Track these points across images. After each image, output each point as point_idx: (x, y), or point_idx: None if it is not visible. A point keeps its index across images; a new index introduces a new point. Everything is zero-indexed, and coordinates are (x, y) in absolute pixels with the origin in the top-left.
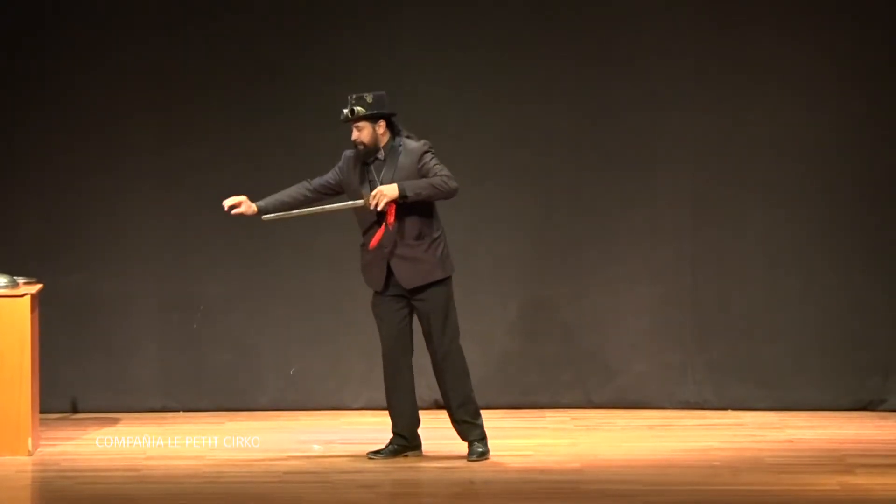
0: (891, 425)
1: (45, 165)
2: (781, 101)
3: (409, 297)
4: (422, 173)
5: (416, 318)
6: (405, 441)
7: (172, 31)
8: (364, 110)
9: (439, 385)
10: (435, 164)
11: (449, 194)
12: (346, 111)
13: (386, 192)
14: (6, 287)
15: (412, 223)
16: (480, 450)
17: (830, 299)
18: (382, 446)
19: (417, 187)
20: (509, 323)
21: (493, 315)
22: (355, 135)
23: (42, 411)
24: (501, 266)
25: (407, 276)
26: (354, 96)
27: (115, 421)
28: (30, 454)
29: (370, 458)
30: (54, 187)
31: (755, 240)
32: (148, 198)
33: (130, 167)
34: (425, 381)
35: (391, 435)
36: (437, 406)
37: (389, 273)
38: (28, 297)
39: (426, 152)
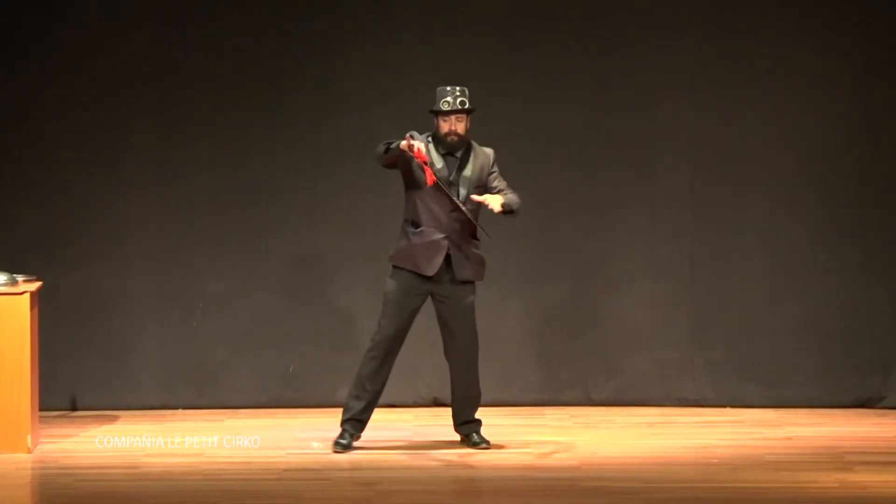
0: (889, 422)
1: (44, 163)
2: (781, 101)
3: (446, 289)
4: (490, 180)
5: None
6: (360, 428)
7: (172, 30)
8: (469, 103)
9: (458, 378)
10: (501, 180)
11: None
12: (452, 100)
13: (498, 202)
14: (6, 285)
15: (472, 224)
16: (484, 440)
17: (829, 297)
18: (340, 438)
19: (517, 205)
20: (509, 321)
21: (493, 313)
22: (453, 126)
23: (41, 409)
24: (501, 264)
25: (466, 269)
26: (458, 88)
27: (115, 418)
28: (29, 451)
29: (336, 452)
30: (54, 185)
31: (754, 238)
32: (147, 196)
33: (130, 166)
34: (424, 380)
35: (348, 421)
36: (435, 404)
37: (446, 263)
38: (27, 295)
39: (496, 161)
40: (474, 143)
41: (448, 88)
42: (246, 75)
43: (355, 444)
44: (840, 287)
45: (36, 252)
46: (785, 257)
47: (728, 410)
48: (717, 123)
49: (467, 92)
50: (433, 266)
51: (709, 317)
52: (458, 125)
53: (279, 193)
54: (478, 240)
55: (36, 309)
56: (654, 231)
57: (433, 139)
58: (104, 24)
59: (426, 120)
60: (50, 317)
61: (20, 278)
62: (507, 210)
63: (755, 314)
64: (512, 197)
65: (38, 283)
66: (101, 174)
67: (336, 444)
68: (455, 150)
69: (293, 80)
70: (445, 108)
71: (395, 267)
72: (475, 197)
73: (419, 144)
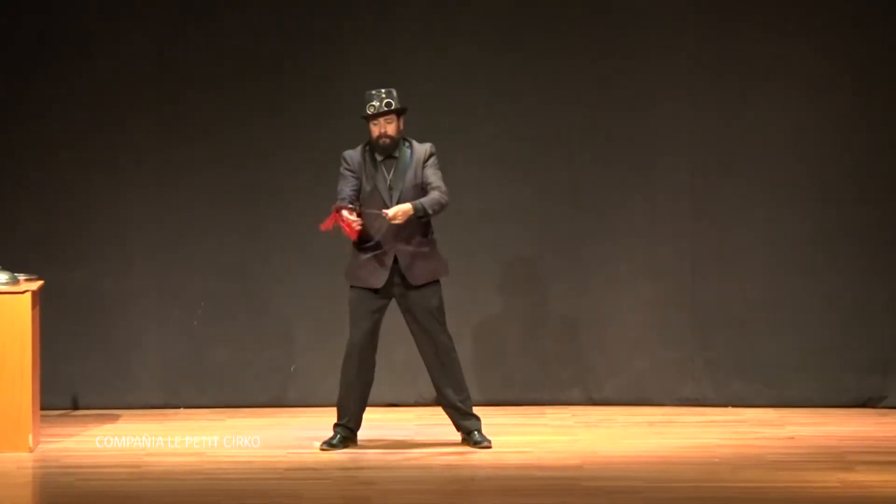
0: (890, 422)
1: (46, 163)
2: (781, 100)
3: (404, 294)
4: (423, 174)
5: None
6: (350, 433)
7: (172, 30)
8: (395, 104)
9: (438, 380)
10: (435, 172)
11: (444, 209)
12: (378, 104)
13: (407, 211)
14: (7, 284)
15: (422, 222)
16: (486, 439)
17: (830, 296)
18: (331, 438)
19: (431, 206)
20: (510, 320)
21: (494, 312)
22: (382, 129)
23: (43, 408)
24: (502, 263)
25: (417, 273)
26: (383, 90)
27: (116, 418)
28: (30, 451)
29: (323, 450)
30: (55, 184)
31: (755, 237)
32: (149, 195)
33: (131, 165)
34: (424, 380)
35: (338, 426)
36: (436, 403)
37: (393, 271)
38: (29, 294)
39: (433, 154)
40: (412, 141)
41: (374, 92)
42: (246, 75)
43: (353, 445)
44: (840, 286)
45: (36, 251)
46: (785, 257)
47: (729, 410)
48: (717, 123)
49: (394, 93)
50: (381, 278)
51: (709, 317)
52: (387, 127)
53: (279, 193)
54: (430, 238)
55: (37, 308)
56: (654, 231)
57: (369, 146)
58: (104, 24)
59: (426, 118)
60: (51, 316)
61: (22, 277)
62: (419, 215)
63: (755, 314)
64: (433, 196)
65: (40, 282)
66: (101, 174)
67: (324, 442)
68: (390, 152)
69: (293, 80)
70: (371, 111)
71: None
72: (386, 212)
73: (343, 220)
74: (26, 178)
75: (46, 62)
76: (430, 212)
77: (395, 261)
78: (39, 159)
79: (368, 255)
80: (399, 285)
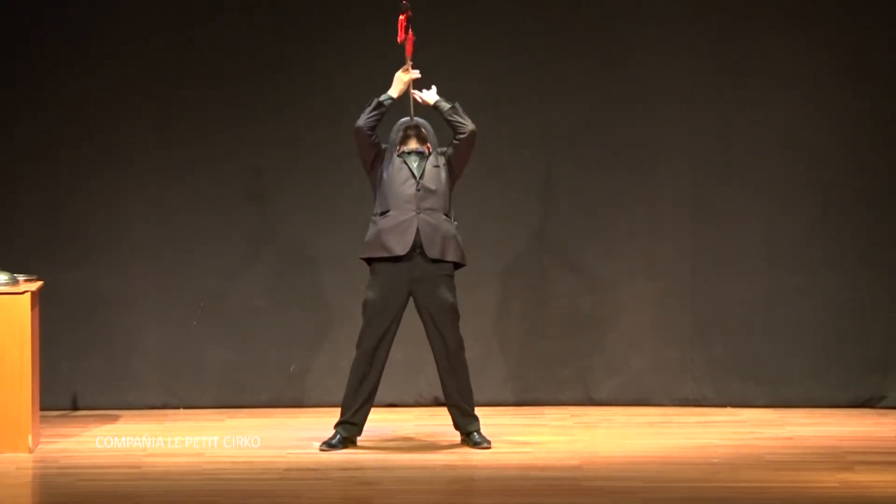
0: (890, 422)
1: (46, 162)
2: (781, 100)
3: (421, 282)
4: (447, 151)
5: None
6: (353, 430)
7: (173, 29)
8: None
9: (446, 379)
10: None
11: (472, 134)
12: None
13: (432, 95)
14: (7, 284)
15: (443, 201)
16: (486, 439)
17: (829, 296)
18: (330, 438)
19: (459, 109)
20: (509, 319)
21: (494, 312)
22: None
23: (42, 408)
24: (501, 263)
25: (431, 242)
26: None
27: (116, 418)
28: (30, 451)
29: (322, 450)
30: (55, 184)
31: (755, 237)
32: (149, 195)
33: (131, 165)
34: (425, 379)
35: (339, 425)
36: (436, 404)
37: (415, 243)
38: (28, 295)
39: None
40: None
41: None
42: (246, 75)
43: (353, 447)
44: (840, 286)
45: (36, 252)
46: (785, 257)
47: (728, 410)
48: (718, 122)
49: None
50: (404, 243)
51: (709, 316)
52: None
53: (279, 193)
54: (452, 219)
55: (37, 308)
56: (654, 230)
57: (400, 154)
58: (104, 24)
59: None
60: (51, 316)
61: (21, 278)
62: (443, 106)
63: (755, 314)
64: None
65: (39, 283)
66: (102, 173)
67: (324, 442)
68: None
69: (294, 79)
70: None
71: (369, 265)
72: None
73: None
74: (26, 177)
75: (46, 62)
76: (457, 107)
77: (417, 234)
78: (40, 159)
79: (391, 224)
80: (419, 261)
